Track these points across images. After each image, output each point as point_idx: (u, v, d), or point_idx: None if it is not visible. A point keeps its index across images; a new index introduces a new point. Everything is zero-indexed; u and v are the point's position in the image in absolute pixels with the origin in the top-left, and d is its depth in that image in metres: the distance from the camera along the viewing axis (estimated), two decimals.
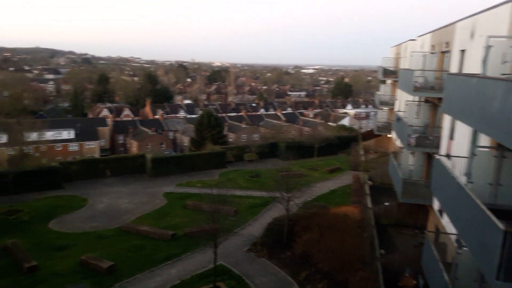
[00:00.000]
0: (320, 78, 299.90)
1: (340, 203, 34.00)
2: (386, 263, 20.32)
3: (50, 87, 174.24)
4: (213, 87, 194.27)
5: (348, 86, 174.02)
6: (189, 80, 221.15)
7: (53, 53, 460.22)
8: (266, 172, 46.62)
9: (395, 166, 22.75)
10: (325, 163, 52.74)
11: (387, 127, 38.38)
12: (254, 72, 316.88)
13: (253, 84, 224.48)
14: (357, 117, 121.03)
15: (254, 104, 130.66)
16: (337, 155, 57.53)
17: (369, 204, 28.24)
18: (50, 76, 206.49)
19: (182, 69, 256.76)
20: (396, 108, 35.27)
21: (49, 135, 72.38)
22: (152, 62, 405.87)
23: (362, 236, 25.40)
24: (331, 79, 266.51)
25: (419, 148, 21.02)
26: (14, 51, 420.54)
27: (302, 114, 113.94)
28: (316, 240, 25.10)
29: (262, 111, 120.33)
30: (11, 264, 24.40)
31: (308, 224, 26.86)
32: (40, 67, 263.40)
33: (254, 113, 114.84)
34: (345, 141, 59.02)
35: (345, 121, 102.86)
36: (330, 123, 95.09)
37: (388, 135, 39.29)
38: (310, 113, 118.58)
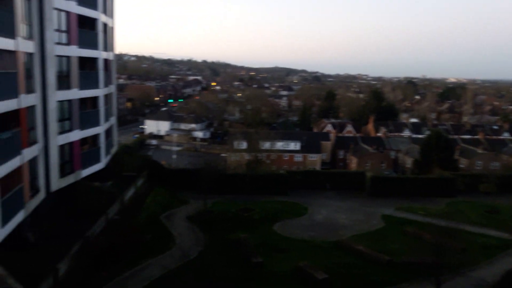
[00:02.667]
0: None
1: None
2: None
3: (283, 102, 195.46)
4: (445, 106, 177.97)
5: None
6: (417, 97, 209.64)
7: (288, 72, 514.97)
8: (508, 209, 39.09)
9: None
10: None
11: None
12: (498, 90, 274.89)
13: (496, 103, 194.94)
14: None
15: (495, 127, 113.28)
16: None
17: None
18: (284, 93, 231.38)
19: (410, 85, 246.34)
20: None
21: (279, 145, 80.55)
22: (379, 79, 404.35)
23: None
24: None
25: None
26: (257, 71, 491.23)
27: None
28: None
29: (506, 135, 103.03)
30: (241, 256, 27.72)
31: None
32: (277, 84, 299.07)
33: (495, 137, 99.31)
34: None
35: None
36: None
37: None
38: None
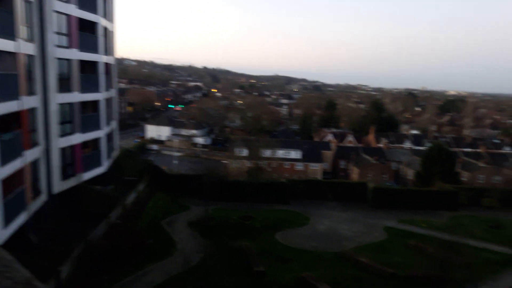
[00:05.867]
0: None
1: None
2: None
3: (283, 110, 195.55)
4: (446, 118, 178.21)
5: None
6: (418, 109, 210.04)
7: (289, 81, 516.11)
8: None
9: None
10: None
11: None
12: (499, 104, 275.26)
13: (496, 117, 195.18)
14: None
15: (496, 141, 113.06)
16: None
17: None
18: (285, 101, 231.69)
19: (411, 97, 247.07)
20: None
21: (280, 153, 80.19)
22: (379, 90, 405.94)
23: None
24: None
25: None
26: (258, 78, 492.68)
27: None
28: None
29: (507, 149, 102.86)
30: (243, 265, 27.28)
31: None
32: (277, 92, 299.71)
33: (496, 150, 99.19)
34: None
35: None
36: None
37: None
38: None
